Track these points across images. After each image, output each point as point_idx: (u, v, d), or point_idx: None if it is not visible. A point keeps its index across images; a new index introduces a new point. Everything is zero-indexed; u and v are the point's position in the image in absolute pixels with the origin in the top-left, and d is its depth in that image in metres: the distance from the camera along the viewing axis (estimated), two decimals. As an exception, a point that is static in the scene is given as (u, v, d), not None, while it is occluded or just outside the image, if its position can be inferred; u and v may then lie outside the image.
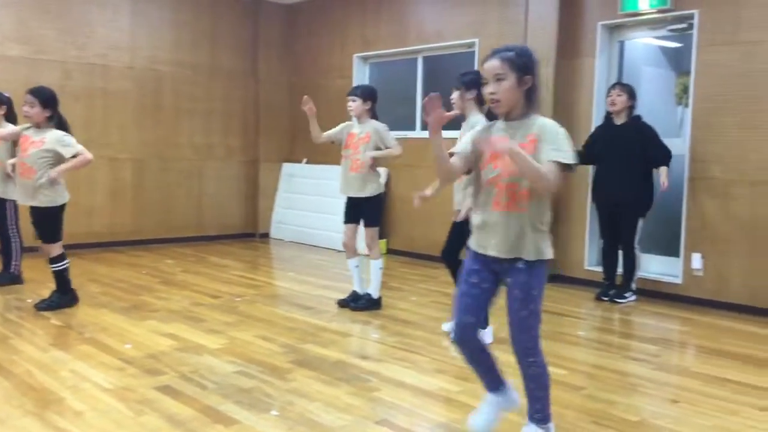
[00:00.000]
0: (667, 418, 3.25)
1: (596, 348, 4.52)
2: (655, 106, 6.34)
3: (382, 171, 5.40)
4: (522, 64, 2.67)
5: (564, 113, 6.50)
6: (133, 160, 8.26)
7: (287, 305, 5.47)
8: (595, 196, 5.93)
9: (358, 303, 5.26)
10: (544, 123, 2.67)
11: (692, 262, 5.69)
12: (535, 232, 2.66)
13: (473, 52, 7.21)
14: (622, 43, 6.42)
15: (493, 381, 2.89)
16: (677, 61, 6.82)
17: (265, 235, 9.24)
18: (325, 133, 5.38)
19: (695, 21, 5.62)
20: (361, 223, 5.26)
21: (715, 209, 5.57)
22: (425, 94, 7.85)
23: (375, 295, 5.30)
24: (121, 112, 8.12)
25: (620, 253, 5.82)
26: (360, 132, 5.21)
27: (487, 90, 2.67)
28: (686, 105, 5.97)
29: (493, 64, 2.67)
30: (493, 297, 2.82)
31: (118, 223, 8.17)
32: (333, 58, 8.82)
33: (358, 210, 5.23)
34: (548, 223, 2.72)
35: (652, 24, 6.08)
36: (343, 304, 5.34)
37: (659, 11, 5.81)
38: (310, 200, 8.82)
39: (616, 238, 5.79)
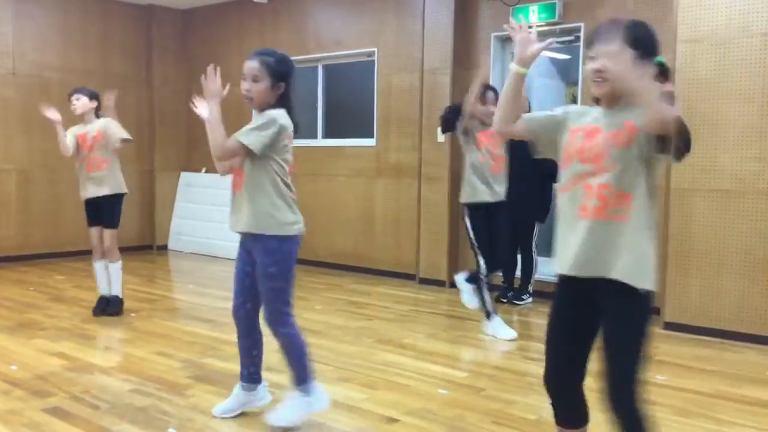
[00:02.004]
0: (563, 415, 3.37)
1: (496, 350, 4.64)
2: (546, 115, 6.60)
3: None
4: (279, 71, 2.98)
5: (461, 121, 6.67)
6: (18, 171, 7.82)
7: (187, 319, 5.31)
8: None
9: (111, 308, 5.25)
10: (264, 113, 2.98)
11: (584, 264, 5.94)
12: (260, 209, 3.00)
13: (373, 60, 7.28)
14: (514, 55, 6.64)
15: (299, 376, 3.14)
16: (566, 72, 7.13)
17: (163, 247, 8.95)
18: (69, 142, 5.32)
19: (581, 34, 5.90)
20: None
21: (604, 213, 5.84)
22: (326, 102, 7.91)
23: (121, 294, 5.35)
24: (4, 120, 7.67)
25: (519, 257, 6.01)
26: (91, 131, 5.25)
27: (243, 87, 2.98)
28: (575, 114, 6.24)
29: (252, 65, 2.98)
30: None
31: (3, 237, 7.69)
32: (231, 64, 8.61)
33: (100, 211, 5.23)
34: (275, 198, 3.02)
35: (542, 36, 6.30)
36: (97, 312, 5.23)
37: (548, 24, 6.06)
38: (209, 210, 8.63)
39: (515, 242, 5.97)
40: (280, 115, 2.98)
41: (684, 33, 4.97)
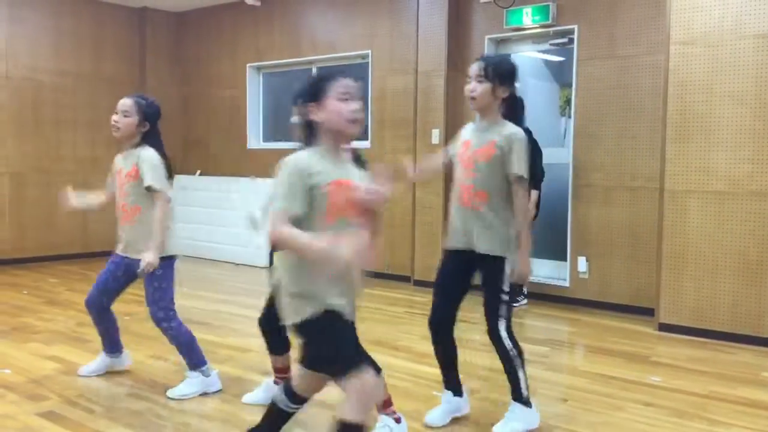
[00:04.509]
0: (558, 417, 3.38)
1: (490, 351, 4.63)
2: (540, 118, 6.61)
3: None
4: (148, 112, 3.67)
5: (455, 124, 6.67)
6: (12, 174, 7.79)
7: (181, 322, 5.29)
8: None
9: None
10: (140, 154, 3.59)
11: (578, 266, 5.96)
12: (143, 234, 3.54)
13: (367, 63, 7.29)
14: (508, 57, 6.65)
15: (110, 345, 3.89)
16: (560, 74, 7.14)
17: (157, 250, 8.92)
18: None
19: (575, 36, 5.91)
20: None
21: (598, 214, 5.87)
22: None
23: None
24: (-3, 123, 7.67)
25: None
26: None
27: (113, 118, 3.63)
28: (569, 116, 6.26)
29: (125, 101, 3.66)
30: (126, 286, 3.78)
31: (-5, 241, 7.68)
32: (224, 67, 8.67)
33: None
34: (149, 222, 3.52)
35: (536, 38, 6.35)
36: None
37: (541, 26, 6.08)
38: (204, 213, 8.61)
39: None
40: (156, 155, 3.60)
41: (677, 35, 4.99)
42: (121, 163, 3.70)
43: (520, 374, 3.14)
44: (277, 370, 3.48)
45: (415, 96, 6.80)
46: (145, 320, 5.24)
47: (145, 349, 4.47)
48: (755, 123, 4.73)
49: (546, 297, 6.11)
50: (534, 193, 5.83)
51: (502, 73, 3.08)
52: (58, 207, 8.06)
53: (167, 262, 3.61)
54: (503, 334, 3.12)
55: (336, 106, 2.25)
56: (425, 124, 6.71)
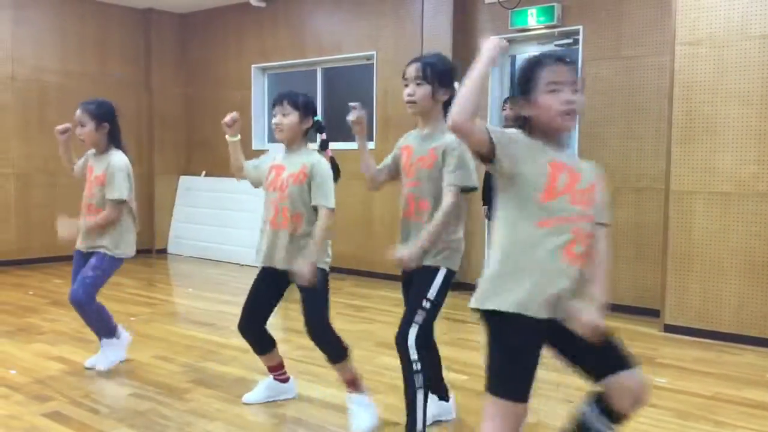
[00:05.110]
0: (563, 419, 3.37)
1: (495, 353, 4.63)
2: (545, 118, 6.60)
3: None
4: (99, 113, 3.77)
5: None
6: (17, 175, 7.82)
7: (186, 323, 5.31)
8: (489, 206, 6.09)
9: None
10: (110, 161, 3.79)
11: (583, 267, 5.93)
12: (115, 236, 3.80)
13: (372, 64, 7.29)
14: (513, 57, 6.66)
15: (107, 333, 4.02)
16: (565, 75, 7.13)
17: (163, 251, 8.95)
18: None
19: (580, 36, 5.90)
20: None
21: (603, 215, 5.84)
22: (325, 106, 7.91)
23: None
24: (2, 125, 7.68)
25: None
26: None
27: (77, 131, 3.80)
28: (574, 116, 6.24)
29: (77, 113, 3.77)
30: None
31: (2, 242, 7.70)
32: (229, 68, 8.68)
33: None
34: (129, 224, 3.88)
35: (541, 39, 6.33)
36: None
37: (546, 27, 6.07)
38: (209, 214, 8.63)
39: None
40: (125, 163, 3.82)
41: (683, 35, 4.98)
42: (94, 162, 3.89)
43: (419, 397, 2.95)
44: (272, 369, 3.49)
45: (420, 97, 6.79)
46: (150, 321, 5.29)
47: (150, 349, 4.48)
48: (761, 124, 4.72)
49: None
50: None
51: (440, 73, 2.87)
52: (63, 208, 8.12)
53: (118, 260, 3.88)
54: (411, 341, 2.89)
55: (545, 101, 2.04)
56: (430, 125, 6.70)
